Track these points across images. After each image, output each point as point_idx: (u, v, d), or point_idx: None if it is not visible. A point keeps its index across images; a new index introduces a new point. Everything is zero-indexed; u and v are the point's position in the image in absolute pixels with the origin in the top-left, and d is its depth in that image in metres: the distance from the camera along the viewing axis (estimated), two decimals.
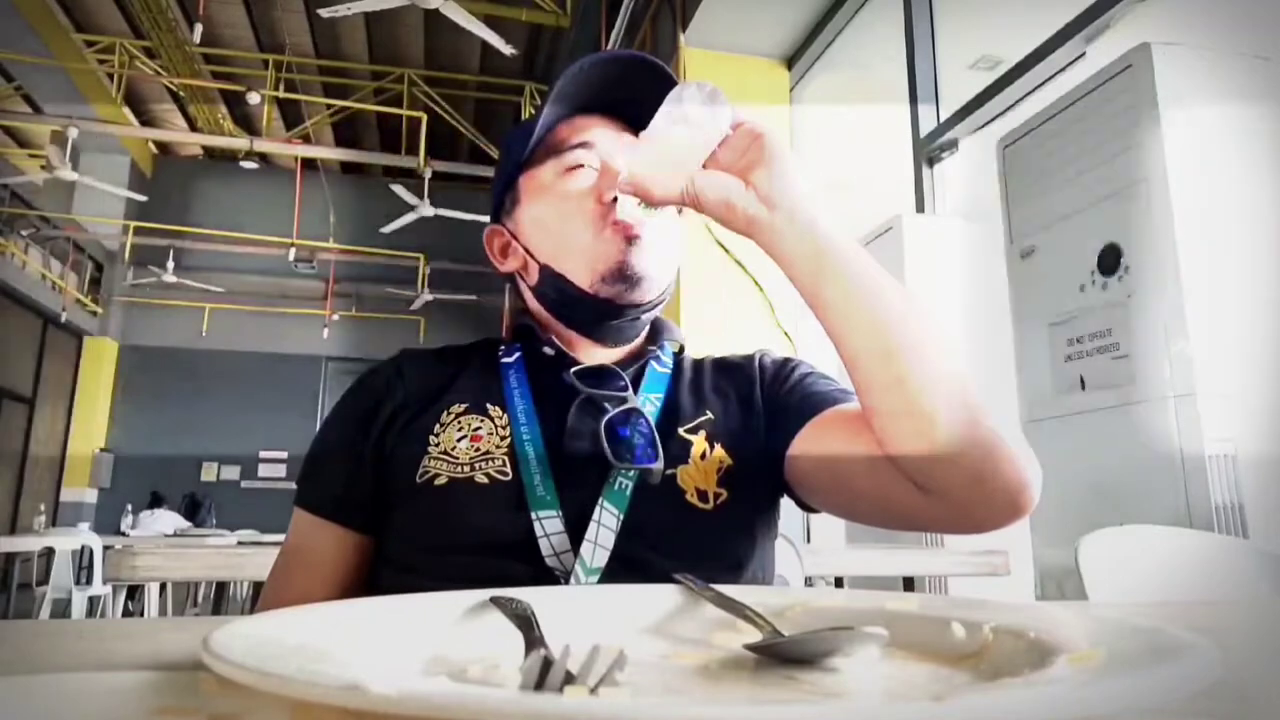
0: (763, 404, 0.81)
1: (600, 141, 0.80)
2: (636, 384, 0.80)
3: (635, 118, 0.77)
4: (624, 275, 0.76)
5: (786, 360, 0.86)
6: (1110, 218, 2.03)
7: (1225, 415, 1.79)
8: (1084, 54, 2.70)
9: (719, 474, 0.75)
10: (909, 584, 1.92)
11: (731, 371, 0.86)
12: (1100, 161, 2.07)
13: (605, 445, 0.71)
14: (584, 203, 0.78)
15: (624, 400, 0.76)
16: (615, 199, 0.76)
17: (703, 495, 0.74)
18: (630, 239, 0.76)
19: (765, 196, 0.64)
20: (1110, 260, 2.01)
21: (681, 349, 0.88)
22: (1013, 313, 2.37)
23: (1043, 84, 2.90)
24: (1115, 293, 2.00)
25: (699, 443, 0.77)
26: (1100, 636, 0.34)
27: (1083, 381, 2.07)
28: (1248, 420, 1.80)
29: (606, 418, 0.74)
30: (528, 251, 0.83)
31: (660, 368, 0.83)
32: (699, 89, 0.65)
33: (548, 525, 0.69)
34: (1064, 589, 2.07)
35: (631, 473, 0.72)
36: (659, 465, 0.72)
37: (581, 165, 0.79)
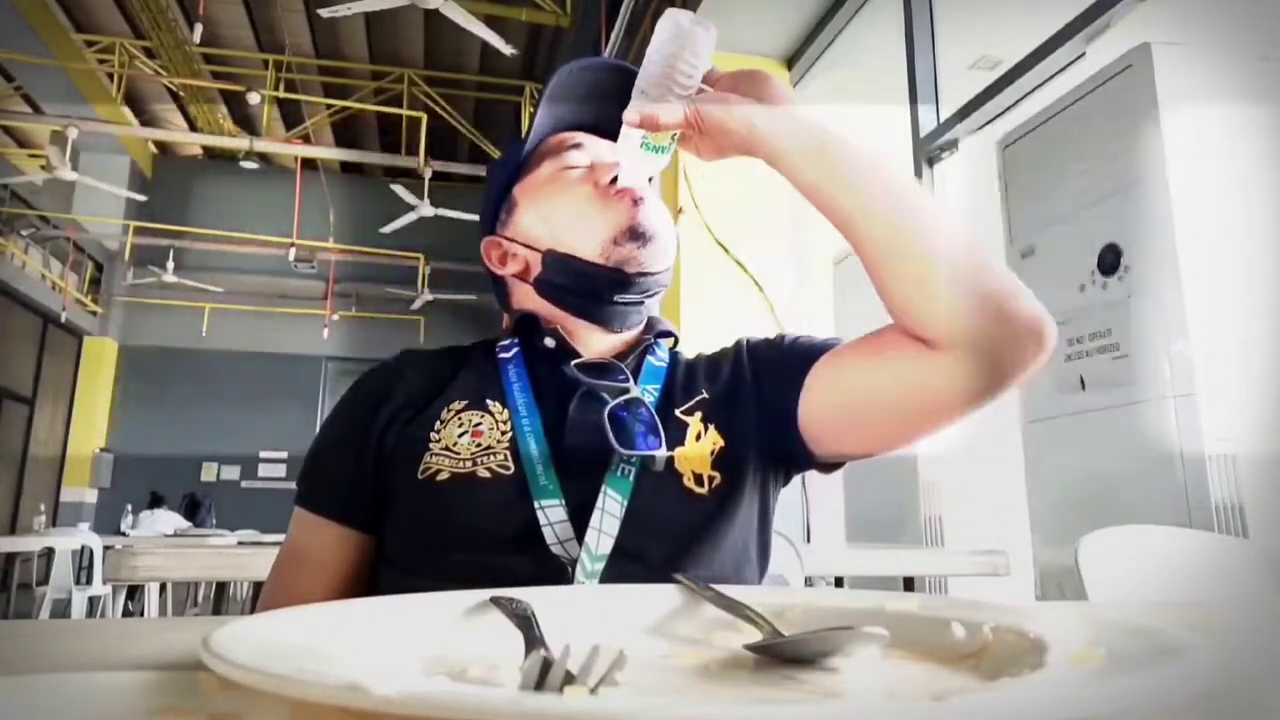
0: (753, 377, 0.82)
1: (590, 143, 0.85)
2: (634, 376, 0.81)
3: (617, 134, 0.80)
4: (636, 233, 0.79)
5: (773, 335, 0.88)
6: (1110, 218, 2.03)
7: (1225, 415, 1.79)
8: (1084, 54, 2.70)
9: (712, 456, 0.76)
10: (909, 584, 1.92)
11: (721, 358, 0.87)
12: (1100, 161, 2.07)
13: (609, 433, 0.72)
14: (584, 185, 0.81)
15: (625, 391, 0.77)
16: (613, 180, 0.79)
17: (699, 479, 0.75)
18: (636, 200, 0.79)
19: (762, 99, 0.68)
20: (1110, 260, 2.01)
21: (676, 341, 0.89)
22: None
23: (1043, 84, 2.90)
24: (1115, 293, 2.00)
25: (694, 424, 0.78)
26: (1100, 636, 0.34)
27: (1083, 381, 2.07)
28: (1248, 420, 1.80)
29: (609, 406, 0.75)
30: (528, 248, 0.84)
31: (656, 360, 0.85)
32: (686, 15, 0.67)
33: (551, 514, 0.70)
34: (1064, 589, 2.06)
35: (634, 459, 0.72)
36: (662, 451, 0.73)
37: (576, 166, 0.83)
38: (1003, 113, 3.11)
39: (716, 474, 0.75)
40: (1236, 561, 1.34)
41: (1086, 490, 2.05)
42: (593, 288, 0.81)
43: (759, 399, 0.80)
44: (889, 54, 3.78)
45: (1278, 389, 1.82)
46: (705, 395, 0.81)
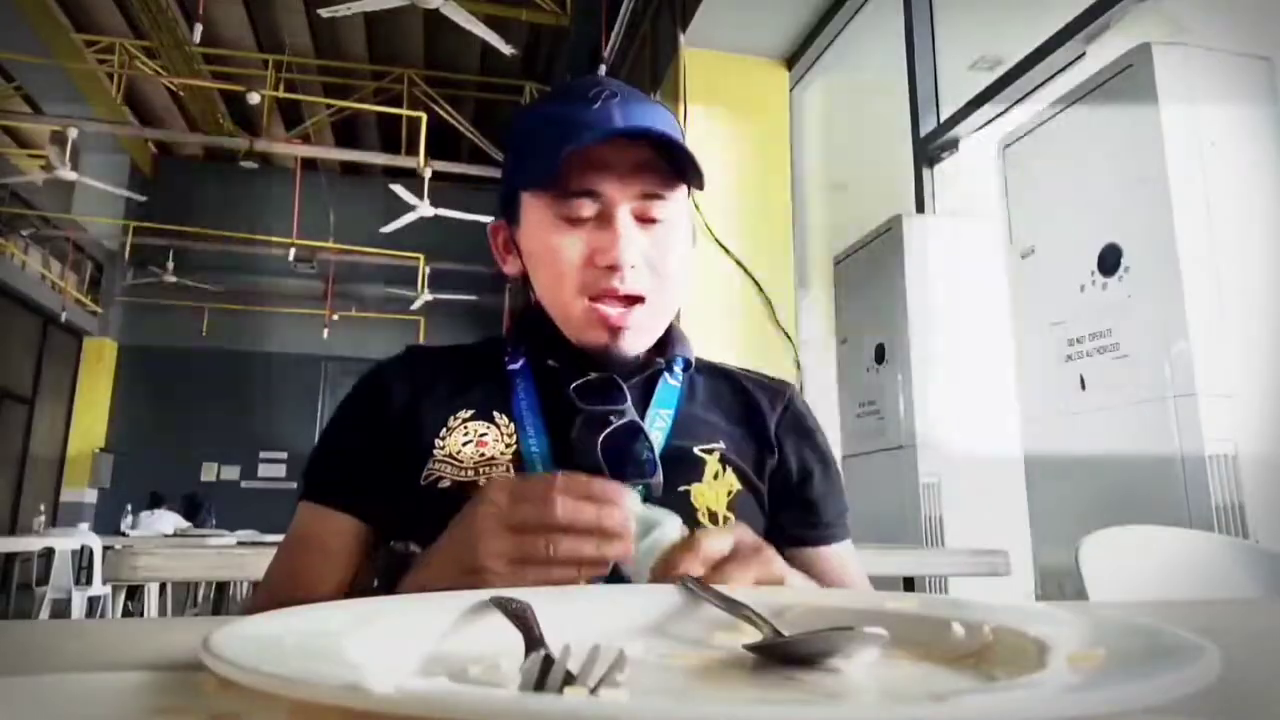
0: (777, 453, 0.82)
1: (605, 189, 0.75)
2: (647, 396, 0.80)
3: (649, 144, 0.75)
4: (607, 358, 0.77)
5: (813, 434, 0.86)
6: (1110, 218, 2.03)
7: (1225, 415, 1.79)
8: (1084, 54, 2.70)
9: (729, 498, 0.76)
10: (909, 584, 1.92)
11: (751, 397, 0.86)
12: (1100, 161, 2.07)
13: (603, 463, 0.72)
14: (573, 264, 0.75)
15: (624, 413, 0.76)
16: (611, 266, 0.74)
17: (713, 517, 0.74)
18: (615, 329, 0.75)
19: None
20: (1110, 260, 2.01)
21: (689, 364, 0.86)
22: (1013, 313, 2.38)
23: (1043, 84, 2.90)
24: (1115, 293, 2.00)
25: (712, 463, 0.77)
26: (1100, 636, 0.34)
27: (1083, 381, 2.07)
28: (1248, 420, 1.80)
29: (604, 434, 0.73)
30: (527, 273, 0.83)
31: (672, 380, 0.83)
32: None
33: None
34: (1064, 589, 2.06)
35: (641, 486, 0.71)
36: (658, 479, 0.72)
37: (582, 219, 0.75)
38: (1003, 113, 3.11)
39: (731, 516, 0.75)
40: (1236, 561, 1.34)
41: (1086, 490, 2.05)
42: (573, 353, 0.80)
43: (783, 490, 0.82)
44: (889, 54, 3.78)
45: (1278, 389, 1.82)
46: (725, 441, 0.79)
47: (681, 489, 0.74)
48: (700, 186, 0.78)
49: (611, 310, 0.75)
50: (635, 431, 0.75)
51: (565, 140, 0.72)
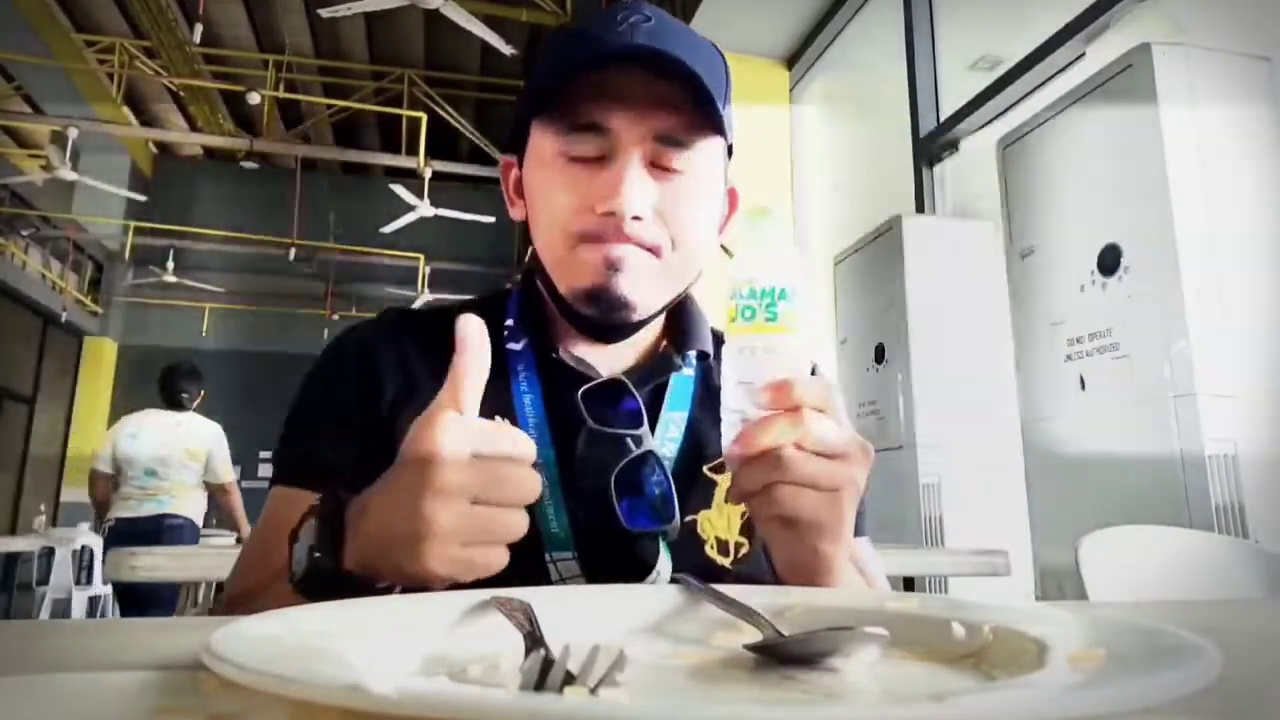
0: None
1: (613, 124, 0.65)
2: (658, 399, 0.72)
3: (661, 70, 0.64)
4: (600, 300, 0.66)
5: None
6: (1110, 218, 2.03)
7: (1225, 415, 1.79)
8: (1084, 54, 2.70)
9: (743, 519, 0.67)
10: (909, 584, 1.92)
11: None
12: (1100, 161, 2.07)
13: (616, 502, 0.64)
14: (568, 208, 0.66)
15: (639, 438, 0.67)
16: (610, 213, 0.64)
17: (723, 547, 0.66)
18: (612, 264, 0.65)
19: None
20: (1110, 260, 2.01)
21: (705, 355, 0.76)
22: (1013, 313, 2.38)
23: (1043, 84, 2.90)
24: (1115, 293, 2.00)
25: (725, 483, 0.72)
26: (1100, 636, 0.34)
27: (1083, 381, 2.07)
28: (1248, 420, 1.80)
29: (615, 470, 0.64)
30: (528, 217, 0.73)
31: (687, 369, 0.74)
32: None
33: (563, 568, 0.64)
34: (1064, 589, 2.07)
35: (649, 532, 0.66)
36: (675, 525, 0.65)
37: (585, 158, 0.66)
38: (1003, 113, 3.11)
39: (744, 540, 0.67)
40: (1236, 561, 1.34)
41: (1086, 490, 2.05)
42: (568, 312, 0.70)
43: None
44: (889, 54, 3.78)
45: (1278, 389, 1.82)
46: None
47: (689, 519, 0.66)
48: (723, 132, 0.68)
49: (611, 247, 0.65)
50: (650, 465, 0.67)
51: (571, 59, 0.64)
